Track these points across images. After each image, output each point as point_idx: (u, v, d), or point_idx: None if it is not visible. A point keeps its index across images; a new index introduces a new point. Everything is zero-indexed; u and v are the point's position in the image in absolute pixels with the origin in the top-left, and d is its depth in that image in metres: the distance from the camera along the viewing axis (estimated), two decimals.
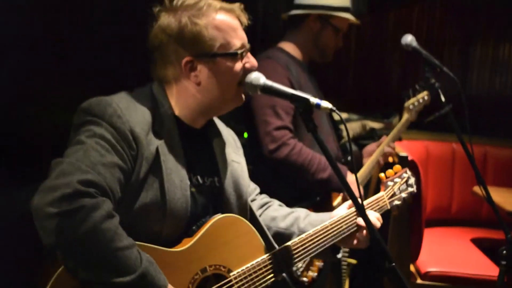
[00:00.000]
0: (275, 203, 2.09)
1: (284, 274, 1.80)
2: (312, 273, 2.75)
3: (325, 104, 1.59)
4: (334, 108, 1.58)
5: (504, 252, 2.22)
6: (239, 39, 1.74)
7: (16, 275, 1.88)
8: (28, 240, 1.84)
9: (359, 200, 1.64)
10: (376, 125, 4.14)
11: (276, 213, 2.01)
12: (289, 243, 1.81)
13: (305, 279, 2.72)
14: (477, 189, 3.21)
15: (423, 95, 2.99)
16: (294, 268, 2.63)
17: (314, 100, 1.60)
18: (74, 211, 1.38)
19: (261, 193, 2.11)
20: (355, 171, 1.85)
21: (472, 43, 4.50)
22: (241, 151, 2.01)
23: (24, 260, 1.87)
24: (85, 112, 1.60)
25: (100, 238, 1.40)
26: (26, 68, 2.17)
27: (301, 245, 1.83)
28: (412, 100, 3.00)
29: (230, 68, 1.73)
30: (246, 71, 1.76)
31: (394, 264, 1.51)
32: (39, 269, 1.50)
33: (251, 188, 2.06)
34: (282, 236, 1.91)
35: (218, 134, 1.88)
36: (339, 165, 2.68)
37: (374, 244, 1.56)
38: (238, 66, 1.74)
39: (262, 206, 2.05)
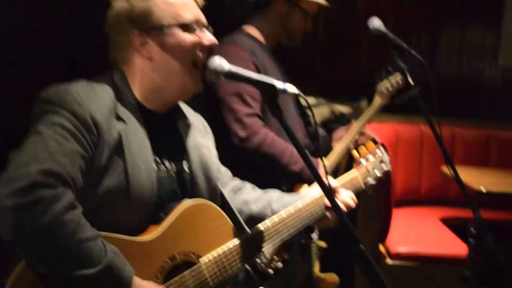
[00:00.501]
0: (248, 185, 2.07)
1: (246, 265, 1.79)
2: (277, 264, 2.72)
3: (292, 89, 1.58)
4: (301, 93, 1.58)
5: (472, 229, 2.24)
6: (191, 13, 1.72)
7: None
8: None
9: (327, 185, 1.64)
10: (345, 109, 4.14)
11: (248, 196, 2.00)
12: (260, 227, 1.80)
13: (270, 270, 2.69)
14: (445, 169, 3.25)
15: (397, 79, 2.95)
16: (258, 260, 2.59)
17: (280, 85, 1.59)
18: (33, 203, 1.34)
19: (232, 177, 2.09)
20: (321, 157, 1.81)
21: (440, 26, 4.54)
22: (210, 136, 1.99)
23: None
24: (44, 101, 1.55)
25: (62, 230, 1.36)
26: (23, 68, 2.13)
27: (273, 229, 1.82)
28: (385, 83, 2.96)
29: (181, 40, 1.69)
30: (203, 48, 1.73)
31: (361, 245, 1.52)
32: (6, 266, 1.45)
33: (222, 172, 2.04)
34: (255, 219, 1.89)
35: (184, 118, 1.86)
36: (311, 157, 2.70)
37: (341, 227, 1.56)
38: (190, 38, 1.70)
39: (234, 189, 2.03)
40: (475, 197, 2.99)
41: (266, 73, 2.67)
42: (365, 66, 4.58)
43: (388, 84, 2.97)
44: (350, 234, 1.55)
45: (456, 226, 3.70)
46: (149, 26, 1.68)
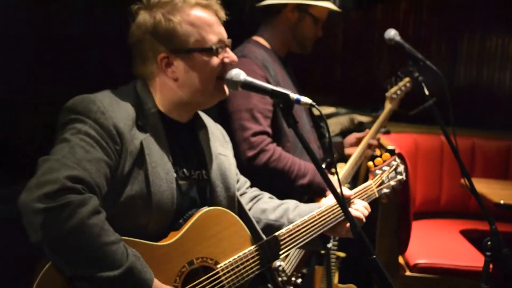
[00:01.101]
0: (266, 195, 2.11)
1: (269, 285, 1.82)
2: (296, 280, 2.73)
3: (305, 99, 1.60)
4: (314, 104, 1.59)
5: (489, 243, 2.23)
6: (215, 34, 1.75)
7: (11, 273, 1.91)
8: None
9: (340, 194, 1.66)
10: (364, 118, 4.15)
11: (266, 205, 2.03)
12: (276, 234, 1.84)
13: (289, 287, 2.70)
14: (464, 181, 3.24)
15: (405, 82, 2.97)
16: (280, 279, 2.61)
17: (294, 95, 1.61)
18: (61, 207, 1.40)
19: (251, 186, 2.13)
20: (336, 169, 1.81)
21: (459, 36, 4.53)
22: (229, 145, 2.03)
23: (18, 258, 1.89)
24: (69, 110, 1.62)
25: (87, 233, 1.42)
26: (23, 71, 2.18)
27: (288, 236, 1.85)
28: (394, 88, 2.98)
29: (206, 63, 1.74)
30: (225, 65, 1.77)
31: (375, 256, 1.53)
32: (33, 267, 1.51)
33: (241, 182, 2.08)
34: (272, 228, 1.93)
35: (204, 128, 1.90)
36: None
37: (356, 237, 1.57)
38: (215, 61, 1.75)
39: (252, 199, 2.07)
40: (494, 210, 2.98)
41: (278, 85, 2.68)
42: (384, 76, 4.58)
43: (397, 89, 2.99)
44: (364, 244, 1.55)
45: (476, 239, 3.66)
46: (175, 48, 1.73)
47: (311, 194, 2.64)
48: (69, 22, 2.44)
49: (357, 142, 3.00)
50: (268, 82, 2.61)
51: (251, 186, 2.15)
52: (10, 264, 2.02)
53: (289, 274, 2.63)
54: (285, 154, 2.61)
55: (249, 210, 2.02)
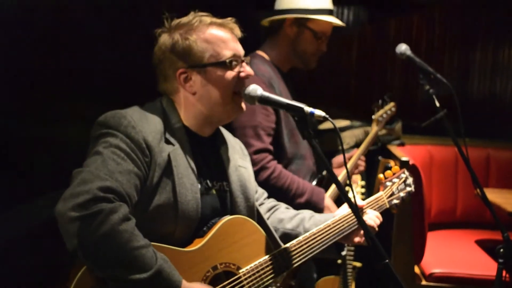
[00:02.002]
0: (282, 206, 2.23)
1: None
2: None
3: (319, 112, 1.69)
4: (327, 116, 1.68)
5: (502, 250, 2.29)
6: (229, 49, 1.87)
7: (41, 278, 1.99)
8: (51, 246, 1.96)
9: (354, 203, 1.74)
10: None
11: (283, 215, 2.14)
12: (293, 241, 1.94)
13: None
14: (478, 190, 3.28)
15: (390, 107, 3.07)
16: None
17: (308, 109, 1.71)
18: (94, 215, 1.50)
19: (268, 197, 2.24)
20: (350, 181, 1.89)
21: (472, 48, 4.57)
22: (248, 158, 2.14)
23: (48, 265, 1.99)
24: (101, 125, 1.74)
25: (118, 239, 1.52)
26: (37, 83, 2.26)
27: (305, 243, 1.96)
28: (380, 112, 3.08)
29: (221, 77, 1.85)
30: (241, 80, 1.88)
31: (387, 260, 1.59)
32: (62, 274, 1.61)
33: (259, 193, 2.20)
34: (289, 236, 2.04)
35: (225, 142, 2.02)
36: (317, 188, 2.73)
37: (369, 243, 1.65)
38: (229, 74, 1.86)
39: (270, 209, 2.18)
40: (509, 219, 3.02)
41: None
42: (398, 90, 4.65)
43: (383, 112, 3.08)
44: (377, 250, 1.62)
45: (491, 248, 3.67)
46: (191, 63, 1.85)
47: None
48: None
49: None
50: None
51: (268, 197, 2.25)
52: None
53: (278, 285, 2.68)
54: (285, 172, 2.67)
55: (267, 219, 2.12)
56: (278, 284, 2.64)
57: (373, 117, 3.07)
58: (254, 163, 2.55)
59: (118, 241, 1.52)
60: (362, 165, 3.05)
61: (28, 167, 2.17)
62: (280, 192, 2.61)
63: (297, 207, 2.61)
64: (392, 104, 3.05)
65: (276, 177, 2.62)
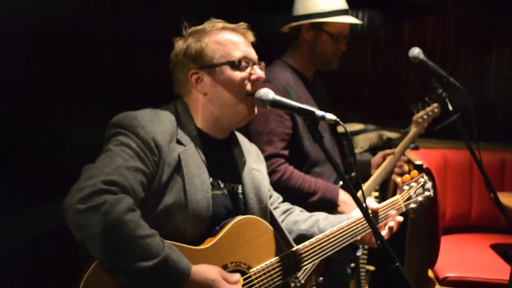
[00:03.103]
0: (297, 209, 2.24)
1: None
2: (310, 287, 2.79)
3: (330, 116, 1.70)
4: (339, 120, 1.69)
5: None
6: (239, 51, 1.90)
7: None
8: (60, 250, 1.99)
9: (364, 205, 1.74)
10: (392, 135, 4.21)
11: (297, 217, 2.16)
12: (306, 243, 1.95)
13: None
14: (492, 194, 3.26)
15: (433, 108, 3.03)
16: (292, 284, 2.67)
17: (319, 112, 1.72)
18: (98, 206, 1.54)
19: (283, 201, 2.26)
20: (361, 185, 1.90)
21: (488, 51, 4.55)
22: (263, 163, 2.16)
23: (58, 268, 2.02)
24: (114, 125, 1.79)
25: (124, 228, 1.55)
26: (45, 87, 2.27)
27: (318, 245, 1.97)
28: (421, 113, 3.05)
29: (230, 77, 1.88)
30: (251, 82, 1.91)
31: (398, 264, 1.60)
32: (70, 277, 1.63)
33: (274, 197, 2.22)
34: (304, 237, 2.04)
35: (239, 145, 2.04)
36: (331, 185, 2.76)
37: (379, 246, 1.65)
38: (239, 75, 1.89)
39: (284, 212, 2.20)
40: None
41: None
42: (413, 93, 4.64)
43: (424, 113, 3.05)
44: (387, 252, 1.63)
45: (506, 253, 3.66)
46: (202, 64, 1.89)
47: (322, 210, 2.71)
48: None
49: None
50: None
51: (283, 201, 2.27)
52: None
53: (303, 281, 2.71)
54: (296, 173, 2.70)
55: (282, 222, 2.14)
56: (302, 281, 2.67)
57: (413, 118, 3.05)
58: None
59: (124, 231, 1.54)
60: (402, 165, 3.04)
61: (32, 173, 2.20)
62: (292, 193, 2.65)
63: (311, 205, 2.70)
64: (435, 105, 3.02)
65: (287, 178, 2.67)
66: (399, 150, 3.05)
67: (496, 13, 4.51)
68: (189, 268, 1.62)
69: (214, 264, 1.73)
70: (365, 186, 3.00)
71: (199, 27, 1.94)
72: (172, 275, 1.59)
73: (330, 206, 2.73)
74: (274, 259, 1.88)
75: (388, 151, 3.09)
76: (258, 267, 1.84)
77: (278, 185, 2.63)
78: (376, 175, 3.01)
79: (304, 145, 2.80)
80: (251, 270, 1.83)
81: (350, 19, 2.84)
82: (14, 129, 2.13)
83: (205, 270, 1.66)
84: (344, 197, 2.80)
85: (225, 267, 1.78)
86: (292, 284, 2.68)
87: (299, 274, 2.65)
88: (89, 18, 2.51)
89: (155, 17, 3.07)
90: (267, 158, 2.63)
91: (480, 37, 4.54)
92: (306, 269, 2.69)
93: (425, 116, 3.06)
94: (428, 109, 3.05)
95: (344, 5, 2.86)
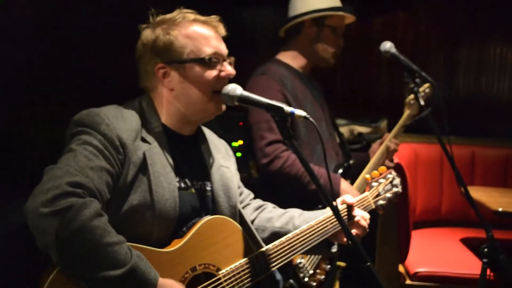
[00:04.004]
0: (269, 205, 2.17)
1: (291, 281, 1.86)
2: (320, 276, 2.80)
3: (299, 112, 1.65)
4: (308, 116, 1.64)
5: (486, 250, 2.27)
6: (210, 47, 1.82)
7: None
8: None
9: (335, 203, 1.69)
10: (363, 129, 4.19)
11: (271, 214, 2.09)
12: (276, 242, 1.89)
13: (313, 283, 2.77)
14: (463, 189, 3.26)
15: (424, 88, 3.03)
16: (301, 275, 2.69)
17: (288, 108, 1.66)
18: (64, 210, 1.46)
19: (255, 198, 2.20)
20: (330, 180, 1.91)
21: (458, 46, 4.56)
22: (232, 159, 2.09)
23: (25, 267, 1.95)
24: (76, 123, 1.70)
25: (90, 234, 1.47)
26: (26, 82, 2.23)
27: (287, 244, 1.90)
28: (412, 95, 3.04)
29: (199, 74, 1.81)
30: (221, 79, 1.83)
31: (369, 264, 1.56)
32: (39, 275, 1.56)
33: (245, 194, 2.15)
34: (279, 235, 1.97)
35: (206, 141, 1.97)
36: (332, 174, 2.79)
37: (350, 245, 1.62)
38: (209, 73, 1.81)
39: (257, 208, 2.13)
40: (494, 218, 3.01)
41: (296, 99, 2.85)
42: (385, 87, 4.63)
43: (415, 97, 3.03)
44: (358, 252, 1.59)
45: (476, 247, 3.65)
46: (170, 58, 1.81)
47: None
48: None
49: None
50: (283, 95, 2.82)
51: (255, 197, 2.22)
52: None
53: (311, 271, 2.71)
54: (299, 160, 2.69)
55: (254, 219, 2.08)
56: (311, 272, 2.66)
57: (405, 100, 3.05)
58: (266, 154, 2.73)
59: (90, 237, 1.47)
60: (393, 147, 3.08)
61: (26, 164, 2.15)
62: (295, 180, 2.73)
63: (313, 193, 2.74)
64: (426, 85, 3.01)
65: (289, 165, 2.72)
66: (393, 132, 3.08)
67: (465, 6, 4.52)
68: (156, 279, 1.55)
69: (182, 267, 1.68)
70: (363, 173, 3.03)
71: (168, 16, 1.85)
72: (139, 285, 1.52)
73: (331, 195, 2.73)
74: (243, 260, 1.81)
75: (384, 137, 3.12)
76: (228, 268, 1.78)
77: (280, 172, 2.71)
78: (373, 161, 3.04)
79: (301, 133, 2.85)
80: (220, 272, 1.76)
81: (348, 14, 3.03)
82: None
83: (171, 284, 1.59)
84: (345, 186, 2.85)
85: (193, 270, 1.72)
86: (301, 275, 2.68)
87: (305, 264, 2.66)
88: (77, 17, 2.47)
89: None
90: (268, 145, 2.73)
91: (450, 31, 4.56)
92: (312, 258, 2.70)
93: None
94: (421, 89, 3.04)
95: (339, 3, 3.05)
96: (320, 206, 2.78)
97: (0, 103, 2.05)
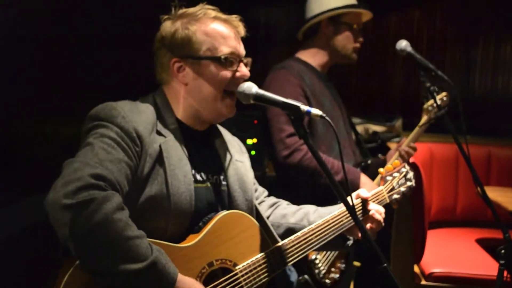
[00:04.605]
0: (283, 202, 2.17)
1: (306, 276, 1.85)
2: (334, 275, 2.80)
3: (315, 111, 1.64)
4: (324, 115, 1.63)
5: (503, 251, 2.25)
6: (228, 46, 1.81)
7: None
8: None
9: (350, 201, 1.68)
10: (378, 128, 4.17)
11: (285, 210, 2.08)
12: (291, 237, 1.88)
13: (327, 281, 2.77)
14: (479, 189, 3.23)
15: (442, 96, 3.02)
16: (316, 271, 2.68)
17: (304, 107, 1.65)
18: (86, 203, 1.45)
19: (269, 195, 2.19)
20: (346, 178, 1.90)
21: (474, 44, 4.53)
22: (246, 155, 2.08)
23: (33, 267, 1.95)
24: (92, 118, 1.70)
25: (113, 227, 1.46)
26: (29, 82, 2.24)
27: (304, 239, 1.90)
28: (430, 101, 3.04)
29: (213, 73, 1.80)
30: (235, 79, 1.82)
31: (385, 264, 1.55)
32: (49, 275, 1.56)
33: (259, 191, 2.14)
34: (294, 231, 1.96)
35: (221, 136, 1.97)
36: (352, 168, 2.78)
37: (365, 245, 1.60)
38: (224, 72, 1.81)
39: (271, 205, 2.13)
40: (510, 218, 2.98)
41: (314, 95, 2.86)
42: (400, 87, 4.60)
43: (434, 102, 3.02)
44: (374, 252, 1.58)
45: (492, 248, 3.63)
46: (186, 54, 1.80)
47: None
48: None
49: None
50: (302, 89, 2.85)
51: (269, 195, 2.21)
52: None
53: (326, 268, 2.70)
54: (319, 153, 2.68)
55: (269, 216, 2.07)
56: (326, 268, 2.65)
57: (423, 106, 3.04)
58: (287, 146, 2.74)
59: (112, 231, 1.46)
60: (411, 153, 3.06)
61: (29, 163, 2.16)
62: (314, 173, 2.75)
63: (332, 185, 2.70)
64: (444, 93, 3.01)
65: (309, 158, 2.74)
66: (410, 137, 3.06)
67: (482, 6, 4.48)
68: (176, 273, 1.55)
69: (199, 262, 1.68)
70: (375, 180, 2.98)
71: (190, 10, 1.84)
72: (159, 280, 1.52)
73: (352, 187, 2.72)
74: (260, 255, 1.81)
75: (402, 141, 3.10)
76: (244, 263, 1.77)
77: (300, 164, 2.73)
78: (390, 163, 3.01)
79: (318, 129, 2.86)
80: (237, 268, 1.76)
81: (363, 10, 3.05)
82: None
83: (190, 281, 1.58)
84: (364, 179, 2.87)
85: (210, 265, 1.71)
86: (316, 271, 2.68)
87: (321, 259, 2.66)
88: (77, 15, 2.47)
89: (138, 13, 3.03)
90: (288, 137, 2.75)
91: (466, 30, 4.52)
92: (327, 255, 2.70)
93: (434, 104, 3.04)
94: (438, 97, 3.03)
95: (354, 0, 3.06)
96: (339, 201, 2.77)
97: (1, 104, 2.05)
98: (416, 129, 3.07)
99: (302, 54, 3.07)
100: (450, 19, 4.54)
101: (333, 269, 2.79)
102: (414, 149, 3.07)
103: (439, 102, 3.02)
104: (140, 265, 1.48)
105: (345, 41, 3.02)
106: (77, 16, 2.46)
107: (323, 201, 2.48)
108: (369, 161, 3.09)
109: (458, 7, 4.52)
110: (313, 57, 3.05)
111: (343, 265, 2.81)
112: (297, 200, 2.23)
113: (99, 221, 1.45)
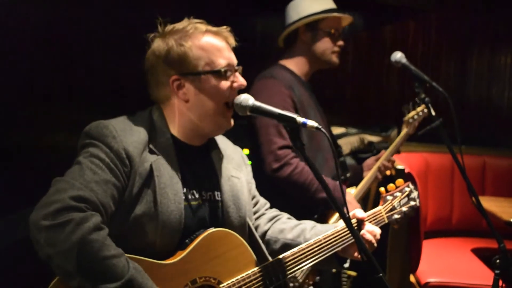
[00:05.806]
0: (284, 216, 2.16)
1: None
2: (307, 287, 2.78)
3: (311, 123, 1.64)
4: (320, 127, 1.63)
5: (498, 261, 2.25)
6: (224, 58, 1.83)
7: None
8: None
9: (347, 214, 1.68)
10: (374, 138, 4.17)
11: (284, 225, 2.08)
12: (280, 256, 1.87)
13: None
14: (474, 199, 3.24)
15: (422, 108, 3.04)
16: (291, 284, 2.66)
17: (300, 119, 1.65)
18: (63, 224, 1.48)
19: (271, 207, 2.19)
20: (341, 187, 1.88)
21: (468, 55, 4.55)
22: (245, 168, 2.08)
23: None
24: (85, 135, 1.73)
25: (88, 248, 1.49)
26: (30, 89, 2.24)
27: (293, 258, 1.88)
28: (412, 113, 3.06)
29: (215, 85, 1.81)
30: (233, 90, 1.84)
31: (381, 274, 1.55)
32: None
33: (261, 203, 2.14)
34: (290, 247, 1.95)
35: (218, 152, 1.97)
36: (334, 183, 2.78)
37: (363, 257, 1.61)
38: (224, 84, 1.82)
39: (271, 219, 2.12)
40: (504, 228, 2.99)
41: (302, 106, 2.85)
42: (395, 96, 4.62)
43: (414, 114, 3.06)
44: (371, 264, 1.59)
45: (487, 257, 3.64)
46: (185, 70, 1.81)
47: (330, 207, 2.76)
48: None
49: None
50: (292, 101, 2.82)
51: (271, 207, 2.21)
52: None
53: (300, 281, 2.69)
54: (308, 168, 2.73)
55: (268, 230, 2.07)
56: (300, 280, 2.63)
57: (404, 118, 3.06)
58: (278, 159, 2.71)
59: (88, 251, 1.49)
60: (389, 166, 3.09)
61: (30, 172, 2.15)
62: (302, 187, 2.73)
63: (319, 201, 2.76)
64: (423, 106, 3.03)
65: (298, 172, 2.71)
66: (390, 150, 3.08)
67: (476, 15, 4.52)
68: None
69: (182, 279, 1.67)
70: (357, 189, 3.03)
71: (179, 26, 1.84)
72: None
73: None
74: (245, 273, 1.79)
75: (377, 156, 3.11)
76: (229, 282, 1.76)
77: (289, 178, 2.70)
78: (368, 177, 3.05)
79: (303, 142, 2.80)
80: (221, 286, 1.75)
81: (341, 14, 3.00)
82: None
83: None
84: (349, 198, 2.88)
85: (193, 282, 1.70)
86: (291, 284, 2.66)
87: (296, 274, 2.64)
88: (77, 21, 2.48)
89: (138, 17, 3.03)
90: (279, 149, 2.72)
91: (460, 39, 4.54)
92: (303, 269, 2.68)
93: (415, 117, 3.08)
94: (418, 109, 3.07)
95: (333, 5, 3.03)
96: (316, 216, 2.80)
97: (2, 108, 2.06)
98: (396, 141, 3.09)
99: (287, 62, 3.04)
100: (444, 28, 4.57)
101: (307, 281, 2.78)
102: (393, 162, 3.09)
103: (420, 114, 3.07)
104: (115, 284, 1.49)
105: (324, 46, 2.98)
106: (84, 19, 2.47)
107: (302, 210, 2.52)
108: (347, 174, 3.08)
109: (453, 18, 4.55)
110: (297, 65, 3.02)
111: (318, 278, 2.80)
112: (279, 205, 2.24)
113: (76, 241, 1.48)
